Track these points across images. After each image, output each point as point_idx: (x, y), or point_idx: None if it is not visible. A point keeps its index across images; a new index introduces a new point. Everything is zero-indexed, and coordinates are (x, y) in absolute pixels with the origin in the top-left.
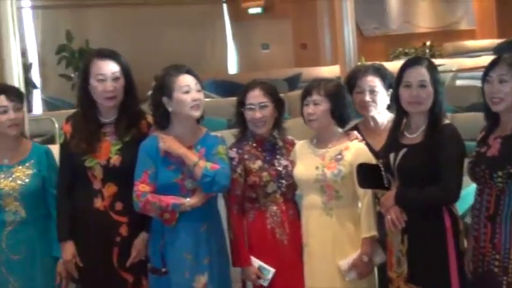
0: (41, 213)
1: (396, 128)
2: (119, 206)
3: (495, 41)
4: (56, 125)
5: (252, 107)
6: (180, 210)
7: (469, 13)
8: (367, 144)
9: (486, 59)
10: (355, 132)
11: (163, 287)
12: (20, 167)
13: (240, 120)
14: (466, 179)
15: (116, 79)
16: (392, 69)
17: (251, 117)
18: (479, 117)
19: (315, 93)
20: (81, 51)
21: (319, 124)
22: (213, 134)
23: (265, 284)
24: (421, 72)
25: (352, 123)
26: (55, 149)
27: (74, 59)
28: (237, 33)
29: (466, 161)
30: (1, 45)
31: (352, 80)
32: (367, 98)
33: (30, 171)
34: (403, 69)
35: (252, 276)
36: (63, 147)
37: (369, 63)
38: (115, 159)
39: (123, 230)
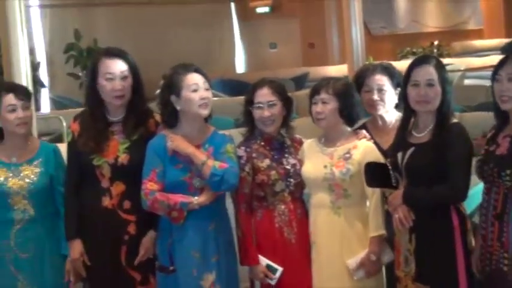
0: (49, 212)
1: (404, 127)
2: (127, 204)
3: (503, 41)
4: (64, 124)
5: (261, 105)
6: (188, 209)
7: (476, 13)
8: (375, 143)
9: (494, 59)
10: (364, 131)
11: (171, 285)
12: (28, 166)
13: (248, 119)
14: (474, 178)
15: (124, 78)
16: (400, 68)
17: (259, 115)
18: (487, 116)
19: (324, 92)
20: (89, 50)
21: (327, 123)
22: (221, 132)
23: (273, 282)
24: (429, 71)
25: (360, 122)
26: (63, 148)
27: (82, 58)
28: (245, 33)
29: (474, 160)
30: (9, 44)
31: (361, 78)
32: (375, 96)
33: (38, 170)
34: (411, 68)
35: (260, 275)
36: (71, 146)
37: (377, 62)
38: (123, 158)
39: (131, 229)
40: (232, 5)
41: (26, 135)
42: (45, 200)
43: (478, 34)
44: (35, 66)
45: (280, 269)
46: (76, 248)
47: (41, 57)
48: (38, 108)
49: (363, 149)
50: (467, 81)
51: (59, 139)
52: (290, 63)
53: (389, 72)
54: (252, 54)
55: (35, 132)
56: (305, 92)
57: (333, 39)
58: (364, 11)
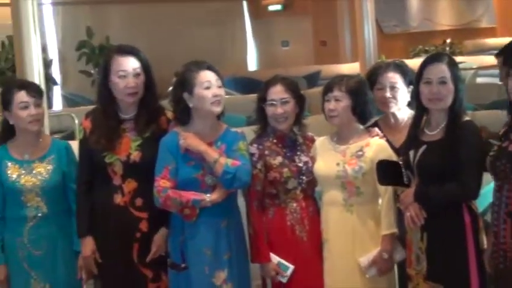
0: (62, 209)
1: (416, 125)
2: (139, 201)
3: None
4: (76, 121)
5: (274, 102)
6: (201, 206)
7: (489, 11)
8: (387, 141)
9: None
10: (376, 129)
11: (183, 283)
12: (41, 163)
13: (260, 116)
14: (486, 176)
15: (136, 75)
16: (412, 66)
17: (272, 112)
18: (499, 115)
19: (337, 89)
20: (101, 47)
21: (340, 120)
22: (233, 130)
23: (284, 280)
24: (442, 69)
25: (372, 120)
26: (75, 145)
27: (94, 55)
28: (257, 30)
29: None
30: (22, 41)
31: (373, 76)
32: (388, 94)
33: (50, 167)
34: (423, 65)
35: (271, 273)
36: (83, 143)
37: (390, 60)
38: (135, 155)
39: (143, 226)
40: (245, 3)
41: (38, 133)
42: (57, 197)
43: (491, 32)
44: (47, 64)
45: (291, 266)
46: (88, 246)
47: (53, 54)
48: (50, 106)
49: (376, 146)
50: (479, 80)
51: (71, 136)
52: (302, 61)
53: (402, 70)
54: (264, 52)
55: (47, 130)
56: (317, 90)
57: (345, 37)
58: (376, 9)
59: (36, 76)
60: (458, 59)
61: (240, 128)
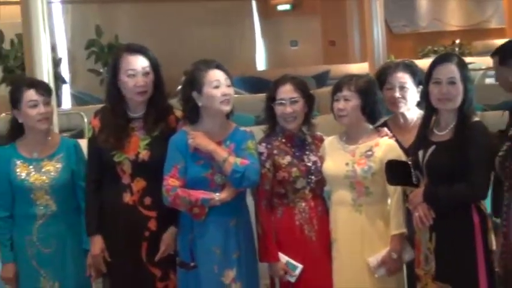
0: (71, 207)
1: (425, 125)
2: (147, 200)
3: None
4: (85, 120)
5: (283, 102)
6: (210, 205)
7: (498, 11)
8: (397, 141)
9: None
10: (386, 129)
11: (192, 281)
12: (50, 161)
13: (269, 115)
14: None
15: (146, 74)
16: (422, 66)
17: (282, 112)
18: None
19: (346, 88)
20: (110, 46)
21: (349, 120)
22: (242, 129)
23: (293, 280)
24: (451, 69)
25: (381, 120)
26: (84, 144)
27: (103, 54)
28: (266, 30)
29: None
30: (31, 40)
31: (383, 76)
32: (397, 94)
33: (59, 165)
34: (433, 66)
35: (280, 272)
36: (91, 142)
37: (399, 60)
38: (144, 154)
39: (152, 225)
40: (254, 2)
41: (46, 131)
42: (67, 195)
43: (500, 33)
44: (56, 63)
45: (300, 266)
46: (97, 244)
47: (63, 53)
48: (59, 104)
49: (385, 146)
50: (488, 80)
51: (80, 135)
52: (311, 60)
53: (412, 70)
54: (272, 52)
55: (56, 128)
56: (326, 89)
57: (354, 37)
58: (385, 9)
59: (45, 75)
60: (467, 59)
61: (249, 127)
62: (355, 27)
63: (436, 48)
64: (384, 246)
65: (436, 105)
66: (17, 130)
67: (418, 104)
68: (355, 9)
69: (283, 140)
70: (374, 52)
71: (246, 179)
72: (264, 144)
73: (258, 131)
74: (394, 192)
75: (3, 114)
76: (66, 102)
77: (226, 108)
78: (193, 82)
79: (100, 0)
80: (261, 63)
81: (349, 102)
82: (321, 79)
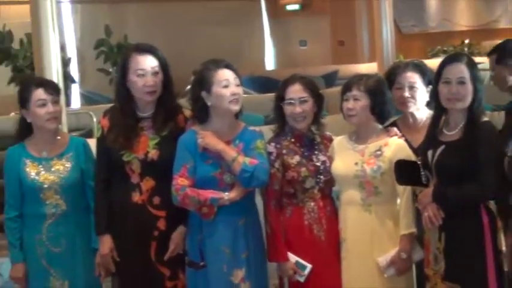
0: (80, 206)
1: (435, 125)
2: (156, 200)
3: None
4: (94, 119)
5: (292, 101)
6: (219, 205)
7: (508, 11)
8: (406, 141)
9: None
10: (395, 129)
11: (201, 281)
12: (59, 160)
13: (278, 115)
14: None
15: (155, 74)
16: (431, 66)
17: (291, 111)
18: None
19: (355, 88)
20: (119, 45)
21: (358, 120)
22: (251, 128)
23: (302, 280)
24: (461, 69)
25: (391, 120)
26: (93, 143)
27: (112, 54)
28: (275, 30)
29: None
30: (40, 39)
31: (392, 76)
32: (407, 94)
33: (69, 164)
34: (442, 65)
35: (289, 272)
36: (101, 141)
37: (409, 59)
38: (153, 154)
39: (161, 224)
40: (263, 2)
41: (55, 130)
42: (76, 195)
43: (509, 33)
44: (65, 62)
45: (309, 266)
46: (106, 244)
47: (72, 53)
48: (68, 104)
49: (394, 146)
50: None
51: (89, 134)
52: (320, 60)
53: (421, 69)
54: (281, 52)
55: (65, 128)
56: (335, 89)
57: (363, 37)
58: (394, 9)
59: (55, 74)
60: (476, 59)
61: (258, 127)
62: (364, 27)
63: (445, 48)
64: (393, 246)
65: (445, 105)
66: (25, 130)
67: (428, 104)
68: (364, 9)
69: (292, 140)
70: (383, 52)
71: (255, 179)
72: (273, 144)
73: (267, 130)
74: (404, 192)
75: (12, 113)
76: (76, 102)
77: (235, 107)
78: (203, 82)
79: (109, 0)
80: (270, 63)
81: (358, 102)
82: (330, 79)
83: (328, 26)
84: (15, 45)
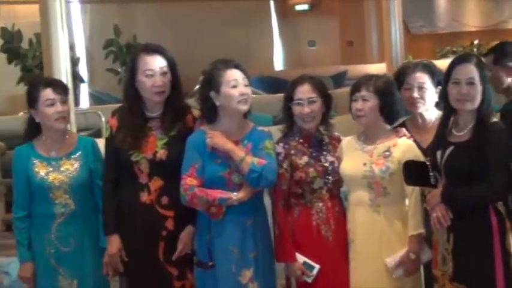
0: (89, 205)
1: (444, 125)
2: (165, 200)
3: None
4: (103, 119)
5: (301, 102)
6: (227, 204)
7: None
8: (415, 142)
9: None
10: (404, 129)
11: (209, 281)
12: (68, 160)
13: (287, 115)
14: None
15: (163, 74)
16: (440, 67)
17: (299, 112)
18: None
19: (364, 89)
20: (128, 45)
21: (367, 120)
22: (259, 128)
23: (310, 280)
24: (470, 70)
25: (400, 120)
26: (101, 143)
27: (121, 54)
28: (284, 30)
29: None
30: (50, 39)
31: (401, 76)
32: (416, 94)
33: (77, 164)
34: (451, 66)
35: (297, 272)
36: (109, 141)
37: (418, 60)
38: (161, 154)
39: (170, 224)
40: (272, 2)
41: (64, 130)
42: (85, 194)
43: None
44: (74, 62)
45: (317, 266)
46: (114, 243)
47: (81, 52)
48: (77, 104)
49: (403, 147)
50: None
51: (98, 134)
52: (329, 61)
53: (430, 70)
54: (290, 52)
55: (73, 127)
56: (344, 90)
57: (372, 38)
58: (403, 9)
59: (64, 74)
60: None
61: (267, 127)
62: (373, 28)
63: (454, 49)
64: (401, 246)
65: (454, 106)
66: (34, 129)
67: (437, 105)
68: (373, 9)
69: (301, 140)
70: (392, 52)
71: (263, 179)
72: (281, 144)
73: (276, 131)
74: (412, 192)
75: (21, 113)
76: (84, 102)
77: (244, 107)
78: (211, 82)
79: (118, 0)
80: (278, 63)
81: (367, 102)
82: (339, 79)
83: (337, 27)
84: (25, 45)
